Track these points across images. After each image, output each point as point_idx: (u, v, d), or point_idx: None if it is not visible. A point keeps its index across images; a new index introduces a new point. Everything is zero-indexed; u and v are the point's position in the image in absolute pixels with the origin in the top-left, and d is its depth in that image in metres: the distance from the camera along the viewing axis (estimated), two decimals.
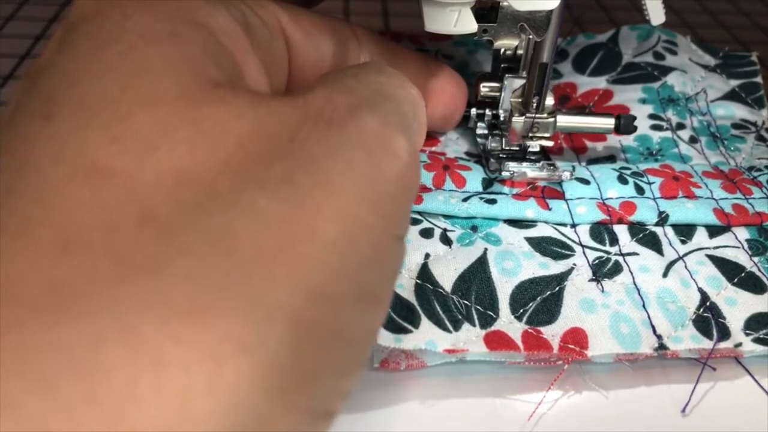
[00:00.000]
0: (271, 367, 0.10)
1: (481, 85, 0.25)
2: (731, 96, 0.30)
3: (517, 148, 0.25)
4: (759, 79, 0.31)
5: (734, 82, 0.31)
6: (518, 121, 0.24)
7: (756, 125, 0.29)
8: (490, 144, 0.25)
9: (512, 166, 0.23)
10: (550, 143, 0.24)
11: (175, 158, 0.11)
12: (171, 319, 0.09)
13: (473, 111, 0.25)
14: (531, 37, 0.22)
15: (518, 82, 0.24)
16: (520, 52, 0.23)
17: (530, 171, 0.22)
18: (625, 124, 0.24)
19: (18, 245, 0.10)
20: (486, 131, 0.25)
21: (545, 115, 0.23)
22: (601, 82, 0.30)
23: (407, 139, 0.13)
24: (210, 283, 0.10)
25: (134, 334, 0.09)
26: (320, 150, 0.12)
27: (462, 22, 0.19)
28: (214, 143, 0.11)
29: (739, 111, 0.29)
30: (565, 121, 0.24)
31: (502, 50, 0.23)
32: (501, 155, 0.25)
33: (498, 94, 0.24)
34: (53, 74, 0.13)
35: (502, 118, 0.25)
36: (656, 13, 0.21)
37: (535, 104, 0.23)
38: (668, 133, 0.28)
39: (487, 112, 0.25)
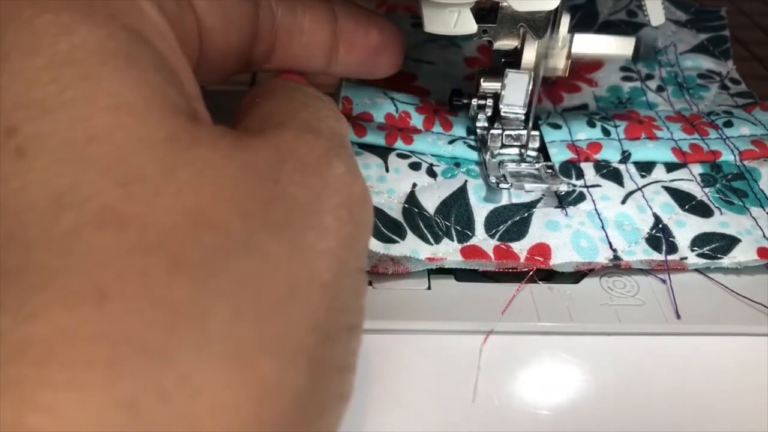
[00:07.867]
0: (297, 403, 0.11)
1: (482, 80, 0.25)
2: (699, 49, 0.33)
3: (517, 144, 0.25)
4: (727, 33, 0.33)
5: (703, 36, 0.33)
6: (530, 49, 0.23)
7: (721, 75, 0.32)
8: (490, 138, 0.25)
9: (510, 167, 0.24)
10: (563, 64, 0.23)
11: (183, 200, 0.11)
12: (223, 365, 0.10)
13: (474, 101, 0.25)
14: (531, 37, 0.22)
15: (519, 77, 0.24)
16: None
17: (528, 184, 0.23)
18: (644, 51, 0.24)
19: (50, 298, 0.09)
20: (486, 123, 0.26)
21: (559, 44, 0.23)
22: None
23: (364, 181, 0.14)
24: (247, 326, 0.10)
25: (193, 383, 0.09)
26: (305, 194, 0.12)
27: (462, 22, 0.19)
28: (214, 185, 0.11)
29: (705, 62, 0.32)
30: (581, 42, 0.23)
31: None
32: (500, 151, 0.25)
33: (498, 86, 0.24)
34: None
35: (502, 113, 0.25)
36: (656, 14, 0.22)
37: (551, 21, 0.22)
38: (637, 84, 0.30)
39: (488, 103, 0.25)
